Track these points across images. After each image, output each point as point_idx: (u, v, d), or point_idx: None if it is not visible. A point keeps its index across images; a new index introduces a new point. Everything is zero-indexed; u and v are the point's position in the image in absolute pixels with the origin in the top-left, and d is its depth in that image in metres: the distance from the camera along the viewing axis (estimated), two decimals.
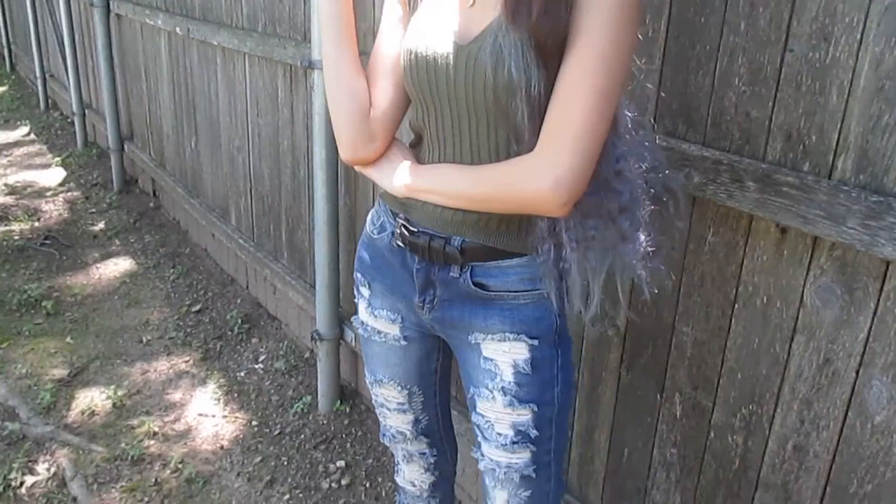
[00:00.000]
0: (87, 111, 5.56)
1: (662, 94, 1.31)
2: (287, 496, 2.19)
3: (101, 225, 4.27)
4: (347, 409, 2.57)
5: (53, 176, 5.12)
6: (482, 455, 1.26)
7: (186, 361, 2.90)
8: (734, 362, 1.31)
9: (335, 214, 2.35)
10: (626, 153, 1.07)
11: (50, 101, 7.03)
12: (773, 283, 1.22)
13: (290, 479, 2.26)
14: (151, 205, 4.56)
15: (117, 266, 3.76)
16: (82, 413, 2.55)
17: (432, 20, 1.13)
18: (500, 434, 1.21)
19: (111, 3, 4.35)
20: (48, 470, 2.27)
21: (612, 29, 0.96)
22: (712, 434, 1.38)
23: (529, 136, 1.02)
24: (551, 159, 0.99)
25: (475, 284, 1.17)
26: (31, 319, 3.19)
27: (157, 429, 2.48)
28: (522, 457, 1.22)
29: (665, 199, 1.16)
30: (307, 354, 2.93)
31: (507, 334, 1.17)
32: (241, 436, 2.47)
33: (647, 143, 1.12)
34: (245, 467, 2.32)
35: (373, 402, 1.50)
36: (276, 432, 2.49)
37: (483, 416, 1.23)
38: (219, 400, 2.66)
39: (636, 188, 1.08)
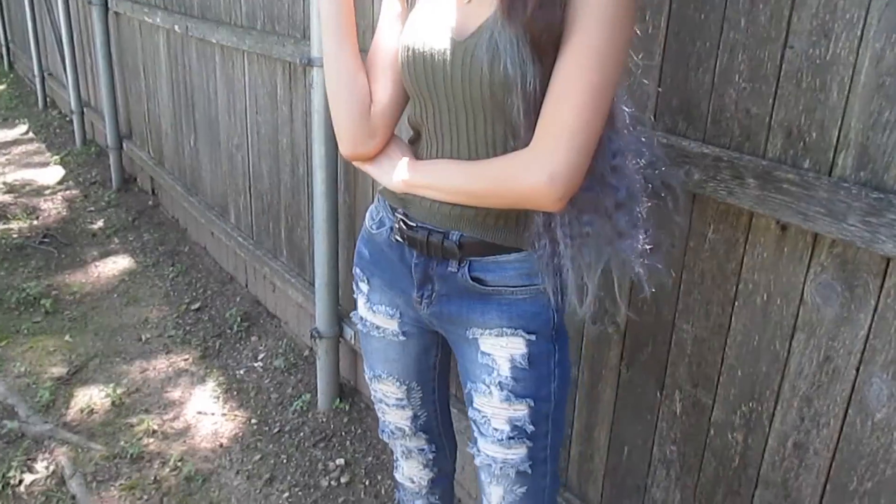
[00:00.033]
0: (85, 109, 5.55)
1: (662, 91, 1.31)
2: (286, 494, 2.19)
3: (100, 223, 4.27)
4: (347, 407, 2.57)
5: (52, 174, 5.12)
6: (478, 450, 1.26)
7: (185, 359, 2.90)
8: (734, 360, 1.31)
9: (334, 212, 2.35)
10: (622, 149, 1.07)
11: (48, 99, 7.02)
12: (773, 280, 1.22)
13: (289, 477, 2.26)
14: (150, 203, 4.56)
15: (116, 264, 3.76)
16: (81, 411, 2.55)
17: (429, 16, 1.13)
18: (496, 429, 1.21)
19: (109, 0, 4.34)
20: (47, 468, 2.27)
21: (607, 24, 0.96)
22: (712, 431, 1.38)
23: (525, 131, 1.03)
24: (546, 154, 0.99)
25: (473, 279, 1.17)
26: (30, 318, 3.18)
27: (156, 427, 2.48)
28: (518, 452, 1.22)
29: (663, 195, 1.16)
30: (306, 352, 2.93)
31: (504, 329, 1.17)
32: (241, 434, 2.47)
33: (644, 139, 1.12)
34: (244, 465, 2.31)
35: (372, 397, 1.50)
36: (276, 430, 2.48)
37: (479, 411, 1.23)
38: (218, 398, 2.66)
39: (633, 184, 1.08)
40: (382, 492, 2.21)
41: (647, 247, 1.09)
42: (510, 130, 1.07)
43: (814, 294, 1.16)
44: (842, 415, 1.16)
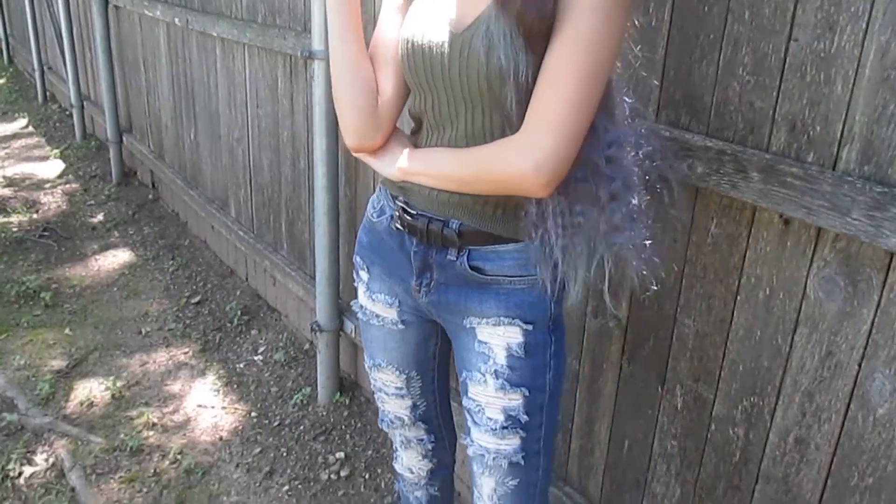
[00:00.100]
0: (85, 103, 5.54)
1: (666, 84, 1.30)
2: (286, 487, 2.19)
3: (100, 217, 4.26)
4: (347, 401, 2.57)
5: (52, 168, 5.11)
6: (471, 440, 1.26)
7: (185, 353, 2.90)
8: (736, 354, 1.30)
9: (335, 205, 2.34)
10: (619, 139, 1.07)
11: (48, 93, 7.00)
12: (775, 274, 1.21)
13: (289, 471, 2.26)
14: (150, 197, 4.55)
15: (116, 258, 3.75)
16: (81, 404, 2.55)
17: (428, 9, 1.14)
18: (490, 418, 1.21)
19: None
20: (47, 461, 2.27)
21: (599, 14, 0.96)
22: (713, 426, 1.37)
23: (518, 121, 1.04)
24: (533, 141, 1.00)
25: (472, 268, 1.18)
26: (30, 311, 3.18)
27: (155, 420, 2.48)
28: (512, 443, 1.21)
29: (659, 187, 1.16)
30: (307, 346, 2.93)
31: (501, 318, 1.18)
32: (241, 427, 2.47)
33: (643, 131, 1.12)
34: (244, 458, 2.31)
35: (371, 386, 1.50)
36: (276, 423, 2.48)
37: (474, 399, 1.23)
38: (218, 391, 2.66)
39: (630, 176, 1.07)
40: (382, 485, 2.21)
41: (645, 241, 1.09)
42: (507, 121, 1.07)
43: (816, 289, 1.16)
44: (843, 410, 1.16)
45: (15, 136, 5.94)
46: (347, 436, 2.43)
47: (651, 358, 1.46)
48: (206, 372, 2.78)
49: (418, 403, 1.47)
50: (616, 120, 1.07)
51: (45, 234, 3.95)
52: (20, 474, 2.20)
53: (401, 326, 1.36)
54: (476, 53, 1.04)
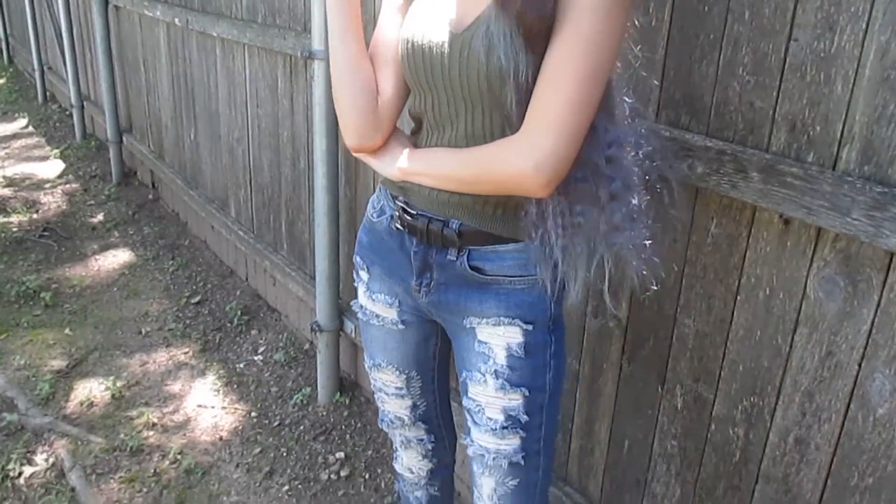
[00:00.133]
0: (85, 103, 5.54)
1: (665, 84, 1.30)
2: (286, 487, 2.19)
3: (100, 217, 4.26)
4: (347, 401, 2.57)
5: (52, 168, 5.11)
6: (471, 441, 1.26)
7: (185, 353, 2.90)
8: (736, 354, 1.30)
9: (335, 206, 2.34)
10: (619, 139, 1.07)
11: (48, 93, 7.00)
12: (775, 274, 1.21)
13: (289, 471, 2.26)
14: (150, 197, 4.55)
15: (116, 258, 3.75)
16: (81, 404, 2.55)
17: (428, 9, 1.14)
18: (490, 418, 1.21)
19: None
20: (47, 461, 2.27)
21: (599, 14, 0.96)
22: (713, 426, 1.37)
23: (518, 121, 1.04)
24: (533, 141, 1.00)
25: (472, 268, 1.18)
26: (30, 311, 3.18)
27: (155, 420, 2.48)
28: (512, 443, 1.21)
29: (659, 187, 1.16)
30: (307, 346, 2.93)
31: (501, 318, 1.18)
32: (241, 427, 2.47)
33: (643, 131, 1.12)
34: (244, 458, 2.31)
35: (371, 386, 1.50)
36: (276, 423, 2.48)
37: (474, 399, 1.23)
38: (218, 391, 2.66)
39: (630, 176, 1.07)
40: (382, 485, 2.21)
41: (645, 241, 1.09)
42: (507, 121, 1.07)
43: (816, 289, 1.16)
44: (843, 410, 1.16)
45: (15, 136, 5.94)
46: (347, 436, 2.43)
47: (651, 358, 1.46)
48: (206, 372, 2.78)
49: (418, 403, 1.47)
50: (616, 120, 1.07)
51: (45, 234, 3.95)
52: (20, 474, 2.20)
53: (401, 326, 1.36)
54: (476, 53, 1.04)
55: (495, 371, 1.19)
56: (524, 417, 1.20)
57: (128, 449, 2.32)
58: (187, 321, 3.14)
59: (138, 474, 2.22)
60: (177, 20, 3.42)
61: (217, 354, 2.90)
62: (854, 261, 1.10)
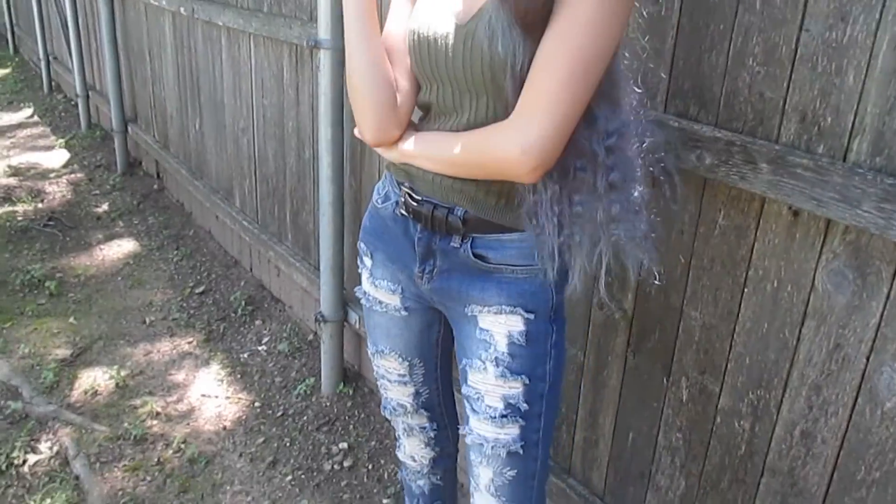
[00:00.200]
0: (90, 93, 5.54)
1: (674, 74, 1.29)
2: (289, 477, 2.19)
3: (105, 206, 4.27)
4: (350, 392, 2.57)
5: (57, 158, 5.11)
6: (470, 429, 1.26)
7: (189, 342, 2.90)
8: (742, 347, 1.30)
9: (340, 196, 2.34)
10: (621, 129, 1.06)
11: (53, 83, 7.00)
12: (783, 266, 1.21)
13: (292, 461, 2.26)
14: (155, 187, 4.55)
15: (121, 247, 3.75)
16: (85, 393, 2.55)
17: (435, 1, 1.14)
18: (489, 406, 1.21)
19: None
20: (51, 449, 2.27)
21: (594, 2, 0.96)
22: (719, 419, 1.37)
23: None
24: (522, 126, 1.01)
25: (475, 256, 1.18)
26: (35, 300, 3.18)
27: (159, 409, 2.48)
28: (511, 432, 1.21)
29: (661, 179, 1.15)
30: (311, 336, 2.93)
31: (503, 307, 1.18)
32: (244, 417, 2.47)
33: (647, 122, 1.11)
34: (247, 448, 2.32)
35: (374, 373, 1.50)
36: (279, 414, 2.49)
37: (473, 387, 1.23)
38: (222, 381, 2.66)
39: (630, 167, 1.07)
40: (385, 476, 2.22)
41: (644, 234, 1.08)
42: (509, 111, 1.06)
43: (825, 281, 1.15)
44: (851, 404, 1.15)
45: (20, 126, 5.94)
46: (351, 426, 2.43)
47: (657, 350, 1.46)
48: (210, 362, 2.78)
49: (421, 391, 1.47)
50: (620, 110, 1.06)
51: (50, 223, 3.95)
52: (24, 462, 2.20)
53: (404, 313, 1.36)
54: (479, 44, 1.04)
55: (496, 358, 1.19)
56: (524, 406, 1.20)
57: (131, 438, 2.32)
58: (191, 311, 3.14)
59: (142, 463, 2.23)
60: (182, 9, 3.41)
61: (221, 344, 2.91)
62: (863, 253, 1.09)
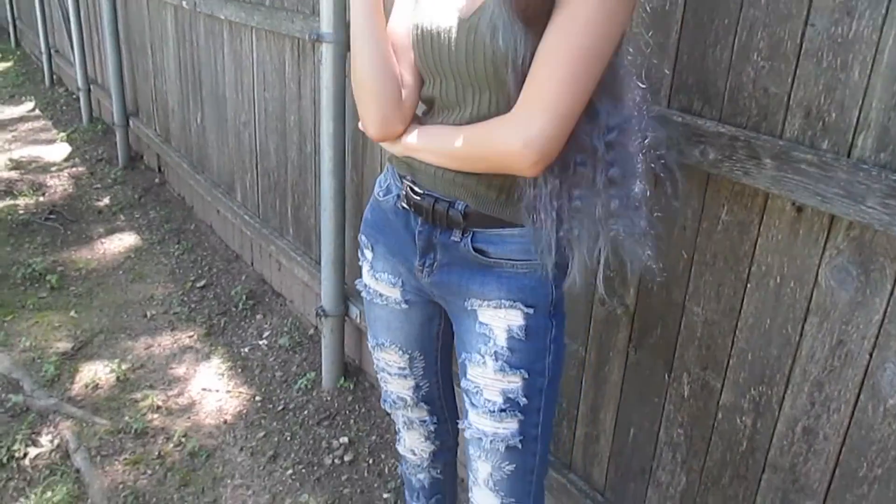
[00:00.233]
0: (92, 87, 5.53)
1: (678, 69, 1.29)
2: (290, 471, 2.19)
3: (106, 200, 4.26)
4: (351, 386, 2.57)
5: (58, 151, 5.11)
6: (469, 423, 1.26)
7: (190, 336, 2.90)
8: (745, 343, 1.29)
9: (342, 190, 2.33)
10: (623, 125, 1.06)
11: (55, 76, 7.00)
12: (787, 262, 1.20)
13: (293, 455, 2.26)
14: (156, 180, 4.55)
15: (122, 241, 3.75)
16: (86, 386, 2.55)
17: None
18: (488, 400, 1.21)
19: None
20: (52, 442, 2.27)
21: None
22: (720, 415, 1.37)
23: None
24: (523, 119, 1.01)
25: (475, 250, 1.18)
26: (36, 293, 3.19)
27: (160, 403, 2.48)
28: (510, 426, 1.21)
29: (663, 176, 1.15)
30: (311, 331, 2.92)
31: (503, 301, 1.18)
32: (245, 411, 2.47)
33: (650, 119, 1.11)
34: (248, 442, 2.32)
35: (374, 366, 1.50)
36: (280, 408, 2.49)
37: (472, 381, 1.23)
38: (222, 375, 2.66)
39: (631, 163, 1.07)
40: (386, 470, 2.22)
41: (643, 230, 1.08)
42: (512, 105, 1.06)
43: (828, 277, 1.15)
44: (853, 400, 1.15)
45: (22, 119, 5.94)
46: (351, 421, 2.43)
47: (658, 345, 1.46)
48: (211, 356, 2.78)
49: (421, 384, 1.47)
50: (623, 105, 1.06)
51: (52, 216, 3.95)
52: (25, 455, 2.21)
53: (404, 306, 1.36)
54: (482, 38, 1.04)
55: (495, 353, 1.19)
56: (523, 400, 1.20)
57: (132, 431, 2.32)
58: (192, 305, 3.14)
59: (143, 456, 2.23)
60: (184, 3, 3.40)
61: (222, 338, 2.91)
62: (867, 249, 1.09)
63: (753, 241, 1.24)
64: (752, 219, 1.23)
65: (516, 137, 1.01)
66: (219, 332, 2.95)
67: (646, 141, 1.09)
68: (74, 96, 6.15)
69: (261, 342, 2.88)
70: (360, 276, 1.43)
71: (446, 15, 1.10)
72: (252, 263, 3.44)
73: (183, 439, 2.30)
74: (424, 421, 1.53)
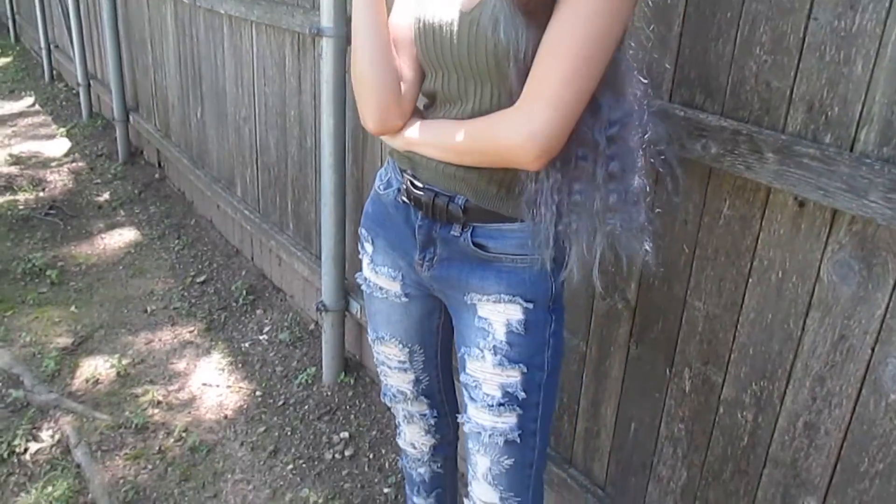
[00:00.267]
0: (91, 82, 5.52)
1: (680, 63, 1.28)
2: (290, 466, 2.20)
3: (106, 195, 4.26)
4: (352, 381, 2.57)
5: (58, 147, 5.10)
6: (468, 418, 1.26)
7: (191, 331, 2.90)
8: (746, 338, 1.29)
9: (342, 185, 2.33)
10: (624, 119, 1.05)
11: (54, 72, 6.98)
12: (788, 257, 1.20)
13: (293, 450, 2.26)
14: (156, 176, 4.54)
15: (122, 236, 3.75)
16: (86, 381, 2.55)
17: None
18: (487, 394, 1.21)
19: None
20: (52, 437, 2.27)
21: None
22: (721, 410, 1.37)
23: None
24: (527, 113, 1.01)
25: (475, 245, 1.18)
26: (36, 288, 3.18)
27: (160, 398, 2.48)
28: (508, 420, 1.21)
29: (662, 171, 1.15)
30: (312, 326, 2.92)
31: (502, 296, 1.18)
32: (245, 406, 2.47)
33: (650, 114, 1.10)
34: (249, 437, 2.32)
35: (374, 360, 1.50)
36: (280, 403, 2.49)
37: (471, 375, 1.23)
38: (223, 370, 2.66)
39: (631, 158, 1.06)
40: (386, 465, 2.22)
41: (640, 225, 1.08)
42: (514, 99, 1.06)
43: (830, 272, 1.15)
44: (855, 395, 1.15)
45: (21, 115, 5.93)
46: (352, 416, 2.43)
47: (659, 340, 1.45)
48: (212, 351, 2.78)
49: (421, 378, 1.47)
50: (624, 99, 1.06)
51: (52, 212, 3.95)
52: (26, 450, 2.21)
53: (404, 300, 1.36)
54: (483, 31, 1.04)
55: (494, 347, 1.19)
56: (521, 394, 1.20)
57: (133, 426, 2.32)
58: (193, 300, 3.14)
59: (143, 451, 2.23)
60: None
61: (222, 333, 2.90)
62: (870, 244, 1.09)
63: (755, 235, 1.24)
64: (754, 213, 1.23)
65: (520, 131, 1.01)
66: (219, 327, 2.95)
67: (645, 136, 1.08)
68: (74, 91, 6.14)
69: (261, 337, 2.88)
70: (361, 270, 1.43)
71: (448, 8, 1.10)
72: (252, 258, 3.44)
73: (183, 434, 2.30)
74: (425, 415, 1.53)
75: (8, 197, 4.13)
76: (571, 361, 1.67)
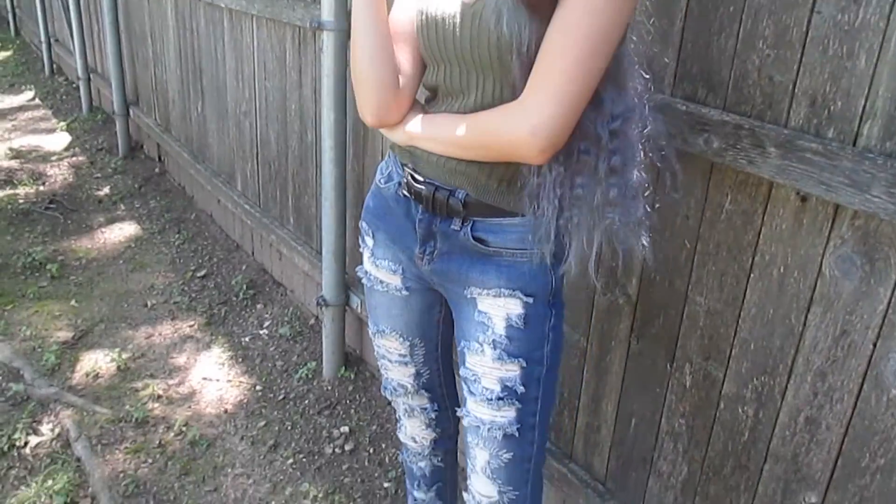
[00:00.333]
0: (92, 76, 5.51)
1: (682, 57, 1.28)
2: (290, 460, 2.20)
3: (107, 190, 4.25)
4: (352, 376, 2.57)
5: (58, 141, 5.09)
6: (467, 411, 1.26)
7: (191, 326, 2.90)
8: (747, 333, 1.29)
9: (342, 179, 2.33)
10: (626, 114, 1.05)
11: (55, 65, 6.97)
12: (790, 252, 1.20)
13: (293, 444, 2.27)
14: (157, 170, 4.54)
15: (122, 231, 3.75)
16: (87, 375, 2.55)
17: None
18: (486, 388, 1.21)
19: None
20: (52, 431, 2.27)
21: None
22: (722, 405, 1.36)
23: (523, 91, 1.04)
24: (531, 107, 1.01)
25: (475, 239, 1.18)
26: (36, 282, 3.18)
27: (161, 392, 2.48)
28: (507, 414, 1.21)
29: (662, 166, 1.14)
30: (312, 321, 2.92)
31: (502, 290, 1.18)
32: (246, 400, 2.47)
33: (651, 109, 1.10)
34: (249, 431, 2.32)
35: (375, 353, 1.50)
36: (281, 397, 2.49)
37: (471, 369, 1.23)
38: (223, 364, 2.66)
39: (632, 152, 1.06)
40: (386, 460, 2.22)
41: (638, 220, 1.08)
42: (516, 92, 1.06)
43: (832, 267, 1.14)
44: (856, 390, 1.15)
45: (21, 109, 5.92)
46: (352, 410, 2.43)
47: (660, 335, 1.45)
48: (212, 345, 2.78)
49: (421, 371, 1.47)
50: (626, 93, 1.06)
51: (52, 206, 3.95)
52: (26, 444, 2.21)
53: (405, 293, 1.36)
54: (486, 24, 1.04)
55: (493, 341, 1.19)
56: (521, 388, 1.20)
57: (133, 420, 2.32)
58: (193, 294, 3.14)
59: (143, 445, 2.23)
60: None
61: (222, 328, 2.90)
62: (872, 239, 1.08)
63: (757, 230, 1.23)
64: (756, 208, 1.23)
65: (524, 125, 1.01)
66: (219, 321, 2.95)
67: (645, 130, 1.08)
68: (74, 85, 6.13)
69: (261, 332, 2.88)
70: (361, 264, 1.43)
71: (451, 1, 1.10)
72: (252, 253, 3.44)
73: (184, 428, 2.30)
74: (425, 408, 1.53)
75: (8, 191, 4.13)
76: (572, 356, 1.66)
